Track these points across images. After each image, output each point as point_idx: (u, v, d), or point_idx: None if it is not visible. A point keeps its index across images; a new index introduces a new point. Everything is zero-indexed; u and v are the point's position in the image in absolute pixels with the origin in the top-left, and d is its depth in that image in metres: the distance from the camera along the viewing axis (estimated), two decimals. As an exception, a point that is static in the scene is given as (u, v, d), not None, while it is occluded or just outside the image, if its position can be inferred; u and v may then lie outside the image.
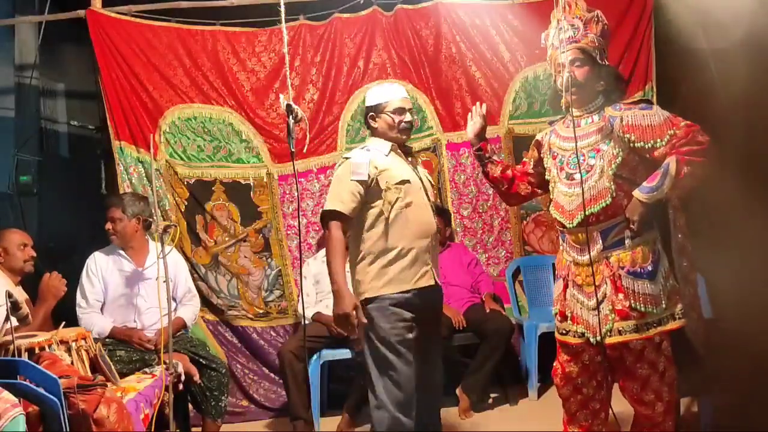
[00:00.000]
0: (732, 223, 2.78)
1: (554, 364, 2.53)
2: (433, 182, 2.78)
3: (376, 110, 2.57)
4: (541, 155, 2.54)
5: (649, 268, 2.29)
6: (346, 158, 2.51)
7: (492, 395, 3.78)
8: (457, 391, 3.57)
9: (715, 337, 2.63)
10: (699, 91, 3.17)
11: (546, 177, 2.49)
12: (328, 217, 2.44)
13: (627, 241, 2.30)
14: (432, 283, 2.49)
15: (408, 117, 2.55)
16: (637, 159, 2.33)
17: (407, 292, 2.41)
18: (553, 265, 2.65)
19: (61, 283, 2.74)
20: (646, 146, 2.28)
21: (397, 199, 2.42)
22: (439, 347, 2.61)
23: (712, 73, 3.07)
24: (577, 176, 2.30)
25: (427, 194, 2.54)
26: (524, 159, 2.73)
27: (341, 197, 2.43)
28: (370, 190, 2.43)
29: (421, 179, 2.55)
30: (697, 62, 3.24)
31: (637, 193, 2.27)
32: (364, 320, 2.36)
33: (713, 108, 2.92)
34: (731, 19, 2.83)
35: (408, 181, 2.46)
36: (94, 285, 3.14)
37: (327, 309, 3.22)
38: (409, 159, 2.61)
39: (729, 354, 2.56)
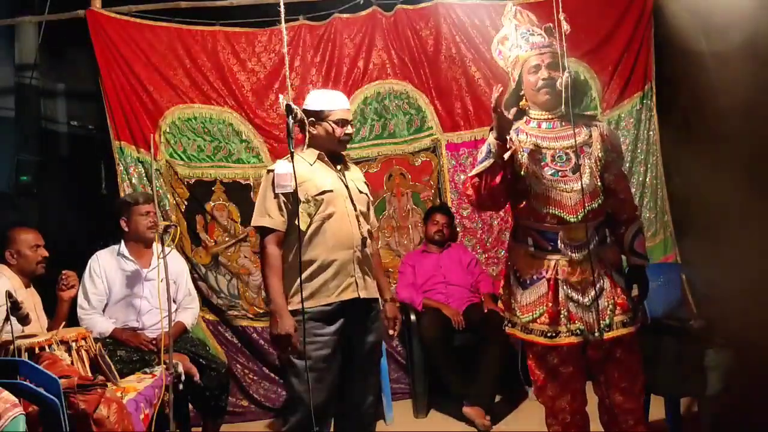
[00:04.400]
0: (732, 223, 2.78)
1: (538, 375, 2.43)
2: (368, 188, 2.63)
3: (317, 117, 2.47)
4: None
5: (621, 263, 2.44)
6: (271, 170, 2.44)
7: (491, 396, 3.78)
8: (464, 410, 3.42)
9: (715, 337, 2.64)
10: (698, 91, 3.17)
11: (521, 173, 2.38)
12: (260, 232, 2.45)
13: (609, 239, 2.40)
14: (355, 296, 2.41)
15: (349, 129, 2.51)
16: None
17: (328, 305, 2.37)
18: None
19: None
20: (617, 160, 2.44)
21: (317, 211, 2.38)
22: (371, 363, 2.54)
23: (712, 73, 3.07)
24: (569, 173, 2.33)
25: (353, 203, 2.46)
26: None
27: (269, 212, 2.40)
28: (293, 202, 2.38)
29: (348, 187, 2.48)
30: (697, 62, 3.24)
31: (638, 260, 2.42)
32: (298, 345, 2.32)
33: (713, 108, 2.92)
34: (731, 19, 2.83)
35: (330, 191, 2.41)
36: (97, 286, 3.12)
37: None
38: (338, 167, 2.53)
39: (729, 353, 2.56)
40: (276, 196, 2.39)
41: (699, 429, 2.77)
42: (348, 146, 3.99)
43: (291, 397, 2.46)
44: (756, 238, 2.51)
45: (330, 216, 2.39)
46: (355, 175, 2.60)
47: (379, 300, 2.59)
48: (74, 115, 4.64)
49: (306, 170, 2.42)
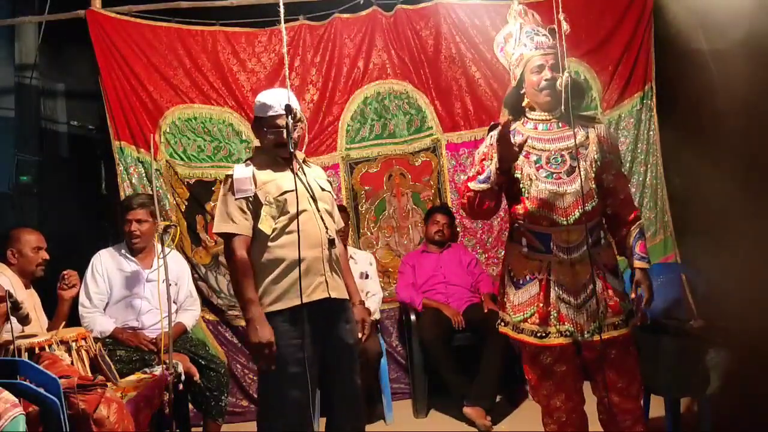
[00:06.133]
0: (732, 223, 2.78)
1: (532, 374, 2.44)
2: (330, 185, 2.56)
3: (260, 123, 2.43)
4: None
5: (616, 265, 2.42)
6: (229, 175, 2.38)
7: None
8: (465, 410, 3.41)
9: (715, 337, 2.63)
10: (698, 91, 3.17)
11: (516, 175, 2.38)
12: (225, 238, 2.35)
13: (603, 241, 2.39)
14: (326, 295, 2.33)
15: (286, 135, 2.29)
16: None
17: (298, 307, 2.24)
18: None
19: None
20: (615, 161, 2.43)
21: (280, 212, 2.32)
22: (348, 362, 2.43)
23: (712, 73, 3.07)
24: (564, 175, 2.33)
25: (316, 201, 2.39)
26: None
27: (232, 217, 2.33)
28: (254, 205, 2.34)
29: (309, 186, 2.40)
30: (697, 62, 3.24)
31: (641, 263, 2.38)
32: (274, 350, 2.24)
33: (713, 108, 2.92)
34: (731, 19, 2.83)
35: (292, 191, 2.30)
36: (99, 285, 3.12)
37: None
38: (298, 166, 2.41)
39: (729, 353, 2.56)
40: (237, 200, 2.33)
41: (699, 429, 2.77)
42: (348, 146, 4.09)
43: (265, 404, 2.37)
44: (756, 237, 2.51)
45: (293, 216, 2.31)
46: (316, 173, 2.53)
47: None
48: (74, 115, 4.64)
49: (264, 173, 2.38)
